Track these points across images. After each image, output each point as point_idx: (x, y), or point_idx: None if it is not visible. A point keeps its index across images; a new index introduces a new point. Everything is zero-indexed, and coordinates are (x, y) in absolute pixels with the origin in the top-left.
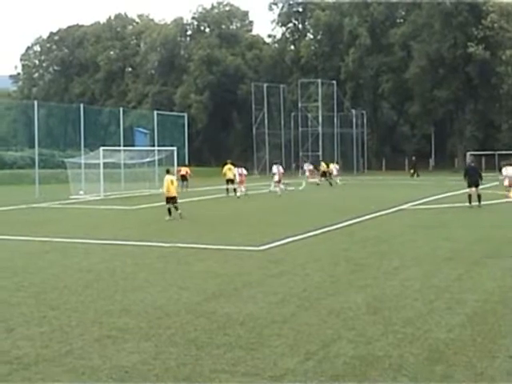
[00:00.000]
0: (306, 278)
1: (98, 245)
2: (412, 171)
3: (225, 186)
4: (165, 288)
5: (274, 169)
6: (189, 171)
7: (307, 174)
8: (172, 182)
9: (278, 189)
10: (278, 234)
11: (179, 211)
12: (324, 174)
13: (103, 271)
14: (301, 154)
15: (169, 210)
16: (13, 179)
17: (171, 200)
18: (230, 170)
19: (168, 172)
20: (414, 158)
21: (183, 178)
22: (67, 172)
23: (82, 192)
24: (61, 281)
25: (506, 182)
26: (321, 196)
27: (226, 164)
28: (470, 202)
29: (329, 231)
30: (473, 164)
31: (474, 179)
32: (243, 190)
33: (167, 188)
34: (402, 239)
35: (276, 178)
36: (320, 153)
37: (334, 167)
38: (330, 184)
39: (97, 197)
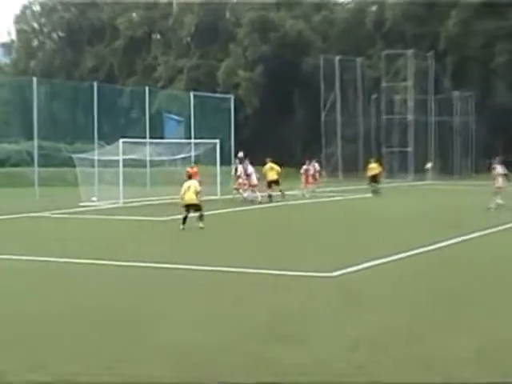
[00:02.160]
0: (390, 316)
1: (115, 268)
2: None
3: (267, 192)
4: (207, 327)
5: (240, 168)
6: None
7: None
8: (189, 187)
9: (246, 194)
10: (353, 256)
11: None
12: (374, 179)
13: (120, 305)
14: (384, 149)
15: (184, 219)
16: (6, 180)
17: (190, 208)
18: (273, 170)
19: (190, 178)
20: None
21: None
22: (76, 171)
23: (94, 198)
24: (64, 318)
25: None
26: (407, 205)
27: (267, 162)
28: None
29: (423, 253)
30: None
31: None
32: (258, 196)
33: (181, 195)
34: None
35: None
36: (410, 149)
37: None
38: (377, 193)
39: (114, 204)
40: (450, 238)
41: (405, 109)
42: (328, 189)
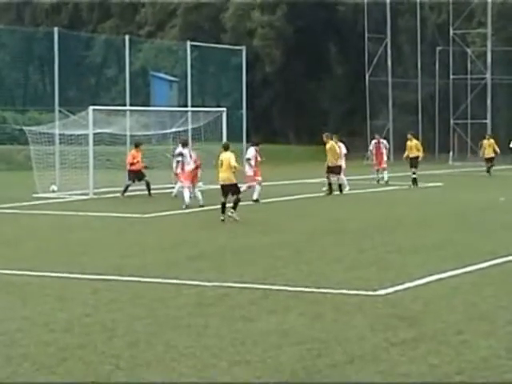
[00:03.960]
0: (462, 350)
1: (86, 282)
2: None
3: (325, 179)
4: (207, 363)
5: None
6: (139, 159)
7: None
8: (221, 162)
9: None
10: (409, 269)
11: (232, 213)
12: (491, 160)
13: (93, 331)
14: (452, 122)
15: (222, 207)
16: None
17: (228, 190)
18: (333, 151)
19: (226, 149)
20: None
21: (135, 174)
22: (29, 150)
23: (54, 187)
24: (16, 346)
25: None
26: (491, 199)
27: (327, 142)
28: None
29: (505, 263)
30: None
31: None
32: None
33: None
34: None
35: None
36: (488, 120)
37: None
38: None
39: (82, 196)
40: None
41: (481, 66)
42: (373, 175)
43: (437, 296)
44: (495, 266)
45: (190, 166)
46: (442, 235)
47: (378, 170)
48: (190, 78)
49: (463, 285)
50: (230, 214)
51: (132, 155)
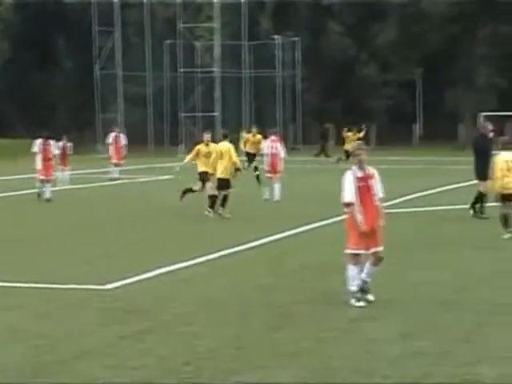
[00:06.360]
0: (191, 341)
1: None
2: (320, 148)
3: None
4: None
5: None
6: None
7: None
8: (221, 154)
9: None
10: (139, 262)
11: (219, 210)
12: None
13: None
14: (182, 114)
15: (212, 201)
16: None
17: (223, 185)
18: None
19: (226, 137)
20: (325, 125)
21: None
22: None
23: None
24: None
25: None
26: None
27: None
28: (481, 205)
29: (235, 253)
30: (491, 134)
31: (485, 165)
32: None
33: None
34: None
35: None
36: (217, 113)
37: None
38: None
39: None
40: (273, 233)
41: (209, 59)
42: (101, 169)
43: (167, 288)
44: (226, 256)
45: None
46: (173, 227)
47: (116, 165)
48: None
49: (194, 276)
50: (219, 211)
51: None
